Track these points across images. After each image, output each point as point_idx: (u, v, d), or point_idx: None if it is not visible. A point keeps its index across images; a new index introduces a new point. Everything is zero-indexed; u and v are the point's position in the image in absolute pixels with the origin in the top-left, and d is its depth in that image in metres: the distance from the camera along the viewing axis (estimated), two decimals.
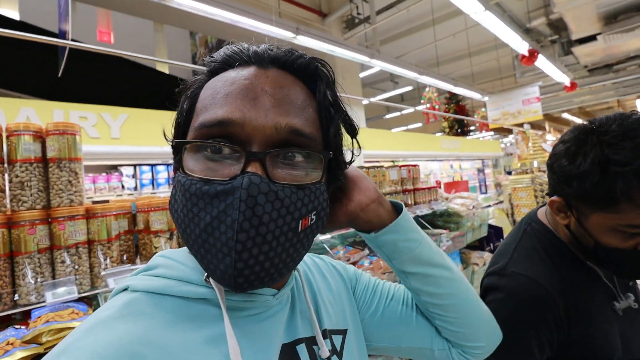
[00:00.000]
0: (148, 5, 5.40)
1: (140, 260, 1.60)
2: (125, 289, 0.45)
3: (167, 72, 9.47)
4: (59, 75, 2.52)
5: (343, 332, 0.57)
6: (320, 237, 2.06)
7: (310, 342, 0.51)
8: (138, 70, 8.58)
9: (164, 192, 4.73)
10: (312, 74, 0.48)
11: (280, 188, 0.40)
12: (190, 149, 0.43)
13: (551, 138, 7.81)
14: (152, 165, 4.77)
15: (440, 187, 3.64)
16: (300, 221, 0.42)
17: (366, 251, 2.32)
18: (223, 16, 3.69)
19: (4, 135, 1.17)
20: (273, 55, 0.46)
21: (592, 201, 0.72)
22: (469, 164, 9.66)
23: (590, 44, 6.84)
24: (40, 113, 3.06)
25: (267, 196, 0.39)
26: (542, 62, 6.85)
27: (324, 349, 0.50)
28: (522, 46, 6.04)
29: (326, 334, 0.54)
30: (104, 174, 4.52)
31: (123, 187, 4.65)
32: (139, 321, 0.39)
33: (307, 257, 0.68)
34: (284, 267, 0.42)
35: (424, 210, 2.70)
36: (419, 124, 14.43)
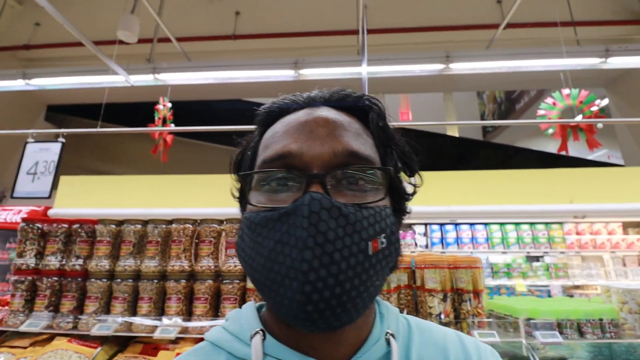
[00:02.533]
0: (438, 80, 6.01)
1: (416, 314, 1.62)
2: None
3: (457, 134, 9.95)
4: None
5: None
6: None
7: None
8: (431, 139, 9.54)
9: (454, 252, 4.71)
10: (363, 108, 0.49)
11: (343, 205, 0.38)
12: (255, 187, 0.44)
13: None
14: (441, 225, 4.92)
15: None
16: (370, 243, 0.39)
17: None
18: (511, 67, 3.51)
19: None
20: (324, 96, 0.49)
21: None
22: None
23: None
24: None
25: (330, 212, 0.37)
26: None
27: None
28: None
29: None
30: (400, 232, 5.13)
31: (416, 244, 5.04)
32: None
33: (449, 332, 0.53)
34: (358, 296, 0.37)
35: None
36: None
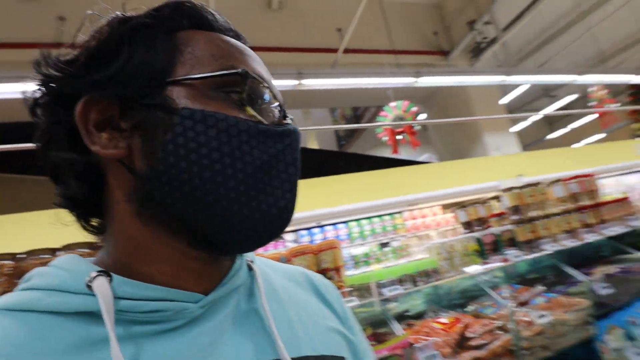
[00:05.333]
0: (297, 95, 6.51)
1: None
2: None
3: (317, 147, 10.91)
4: None
5: None
6: (482, 277, 1.80)
7: None
8: None
9: None
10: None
11: None
12: (209, 88, 0.36)
13: None
14: (308, 229, 5.30)
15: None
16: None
17: (540, 287, 1.88)
18: (349, 84, 4.11)
19: None
20: (237, 31, 0.45)
21: None
22: None
23: None
24: None
25: (299, 144, 0.43)
26: None
27: None
28: None
29: None
30: (271, 243, 5.27)
31: None
32: None
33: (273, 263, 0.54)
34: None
35: (617, 229, 2.06)
36: (601, 135, 11.58)
